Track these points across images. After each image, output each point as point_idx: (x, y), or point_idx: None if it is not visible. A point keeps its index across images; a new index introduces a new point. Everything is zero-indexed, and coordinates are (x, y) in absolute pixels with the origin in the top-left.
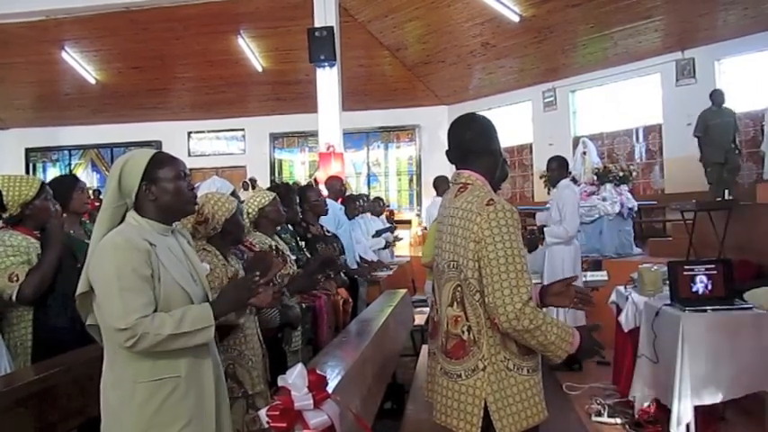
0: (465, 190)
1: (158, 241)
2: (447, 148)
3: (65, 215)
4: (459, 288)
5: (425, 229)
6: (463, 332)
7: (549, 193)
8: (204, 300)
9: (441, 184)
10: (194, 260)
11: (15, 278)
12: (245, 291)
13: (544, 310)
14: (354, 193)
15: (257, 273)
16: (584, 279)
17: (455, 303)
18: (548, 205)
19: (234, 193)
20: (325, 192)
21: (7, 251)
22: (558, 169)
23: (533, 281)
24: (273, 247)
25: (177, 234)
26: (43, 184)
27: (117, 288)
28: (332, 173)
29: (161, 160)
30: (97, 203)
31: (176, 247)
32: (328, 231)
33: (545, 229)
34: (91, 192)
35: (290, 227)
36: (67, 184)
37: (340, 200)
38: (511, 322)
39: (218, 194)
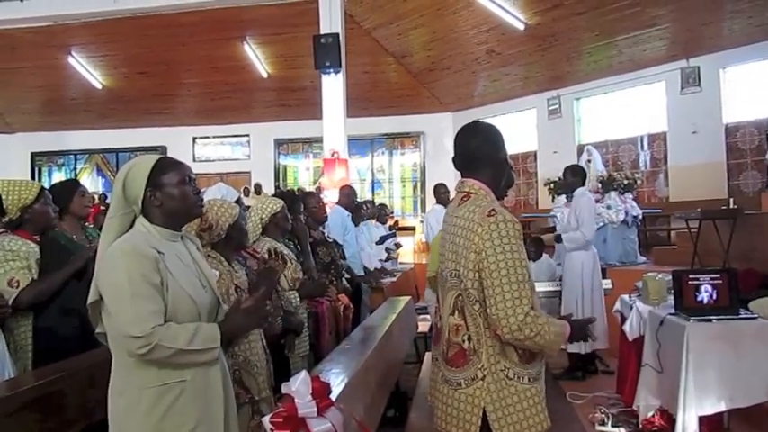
0: (468, 199)
1: (166, 248)
2: (453, 155)
3: (65, 217)
4: (460, 297)
5: (425, 242)
6: (463, 341)
7: (553, 201)
8: (214, 306)
9: (439, 191)
10: (203, 266)
11: (16, 284)
12: (254, 319)
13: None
14: (359, 199)
15: (267, 302)
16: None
17: (456, 312)
18: (552, 212)
19: (239, 200)
20: (335, 199)
21: (7, 256)
22: (572, 177)
23: (551, 288)
24: (274, 251)
25: (186, 240)
26: (42, 188)
27: (129, 295)
28: (336, 179)
29: (165, 166)
30: (103, 207)
31: (185, 253)
32: (329, 237)
33: (563, 235)
34: (96, 196)
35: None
36: (68, 187)
37: None
38: (513, 333)
39: (220, 201)
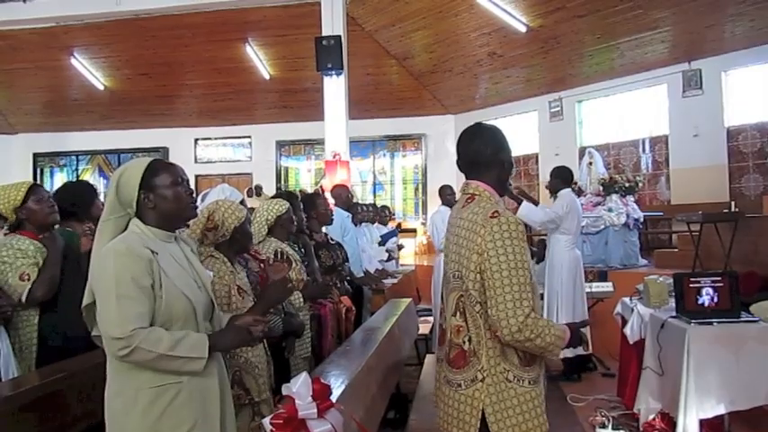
0: (472, 201)
1: (161, 249)
2: (456, 157)
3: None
4: (462, 298)
5: (427, 244)
6: (464, 342)
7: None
8: (210, 306)
9: (445, 193)
10: (198, 267)
11: (27, 277)
12: (245, 339)
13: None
14: (360, 201)
15: (263, 321)
16: (587, 290)
17: (458, 313)
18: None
19: (242, 202)
20: (331, 200)
21: (17, 254)
22: (555, 178)
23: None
24: (280, 252)
25: (180, 241)
26: (32, 187)
27: (114, 295)
28: (338, 181)
29: (157, 168)
30: None
31: (179, 254)
32: (332, 239)
33: (524, 203)
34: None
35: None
36: (90, 190)
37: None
38: (513, 335)
39: (228, 202)
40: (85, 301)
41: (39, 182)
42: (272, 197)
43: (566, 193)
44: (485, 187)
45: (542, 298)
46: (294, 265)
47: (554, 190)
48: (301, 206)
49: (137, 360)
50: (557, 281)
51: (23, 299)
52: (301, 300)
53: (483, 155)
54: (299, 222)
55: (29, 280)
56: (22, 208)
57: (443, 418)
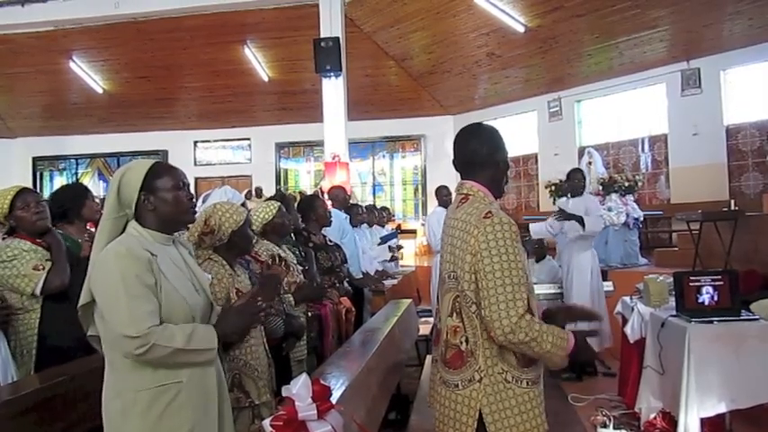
0: (466, 201)
1: (159, 251)
2: (453, 157)
3: (75, 221)
4: (457, 299)
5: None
6: (461, 342)
7: (554, 203)
8: (208, 309)
9: (441, 194)
10: (196, 270)
11: (41, 267)
12: (248, 318)
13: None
14: (360, 202)
15: (260, 299)
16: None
17: (454, 314)
18: (553, 215)
19: (244, 204)
20: (328, 202)
21: (22, 253)
22: (582, 179)
23: (553, 290)
24: (277, 256)
25: (178, 244)
26: (18, 193)
27: (123, 295)
28: (337, 182)
29: (159, 170)
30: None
31: (177, 257)
32: (331, 241)
33: (584, 218)
34: (99, 200)
35: (291, 236)
36: (80, 192)
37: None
38: (507, 336)
39: (227, 205)
40: (82, 300)
41: (38, 186)
42: (265, 200)
43: (588, 194)
44: (479, 187)
45: (561, 298)
46: (292, 267)
47: (578, 191)
48: (295, 206)
49: (154, 357)
50: (585, 283)
51: (38, 290)
52: (292, 302)
53: (479, 155)
54: (295, 222)
55: (43, 269)
56: (10, 216)
57: (440, 419)
